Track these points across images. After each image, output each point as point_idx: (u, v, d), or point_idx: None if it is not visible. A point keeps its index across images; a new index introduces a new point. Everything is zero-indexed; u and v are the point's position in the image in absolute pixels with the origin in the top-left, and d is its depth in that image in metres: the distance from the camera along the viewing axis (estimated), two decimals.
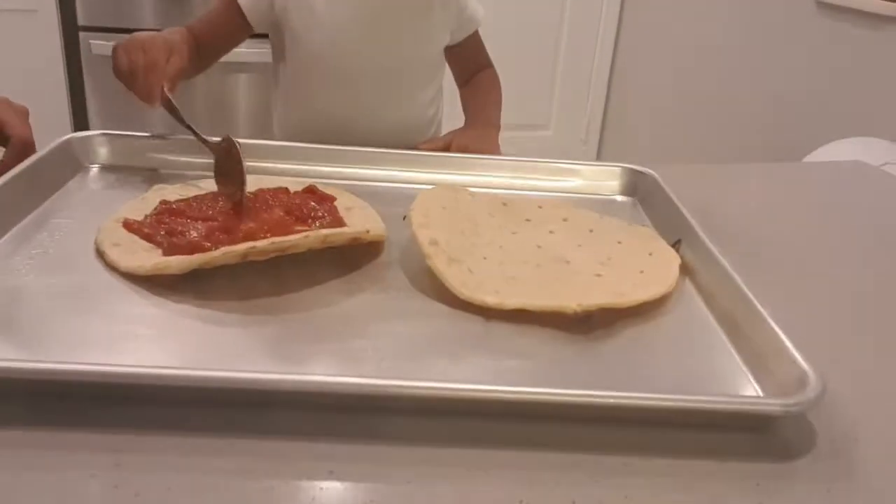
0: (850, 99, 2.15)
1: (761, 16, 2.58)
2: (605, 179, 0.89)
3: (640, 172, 0.88)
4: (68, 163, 0.84)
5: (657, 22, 3.01)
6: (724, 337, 0.63)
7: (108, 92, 2.65)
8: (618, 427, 0.53)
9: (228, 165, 0.79)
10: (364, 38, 1.08)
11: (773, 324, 0.59)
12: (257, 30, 1.12)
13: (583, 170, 0.90)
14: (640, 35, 3.09)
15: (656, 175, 0.86)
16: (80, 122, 2.58)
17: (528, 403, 0.51)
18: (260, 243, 0.64)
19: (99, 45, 2.84)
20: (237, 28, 1.11)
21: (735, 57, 2.59)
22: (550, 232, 0.77)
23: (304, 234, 0.66)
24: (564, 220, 0.80)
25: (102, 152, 0.87)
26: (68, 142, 0.85)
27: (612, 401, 0.51)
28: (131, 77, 0.86)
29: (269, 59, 1.23)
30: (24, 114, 0.90)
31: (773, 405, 0.51)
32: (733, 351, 0.61)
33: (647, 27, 3.05)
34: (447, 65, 1.21)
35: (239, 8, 1.07)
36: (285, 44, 1.11)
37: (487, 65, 1.26)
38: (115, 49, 0.90)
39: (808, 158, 1.92)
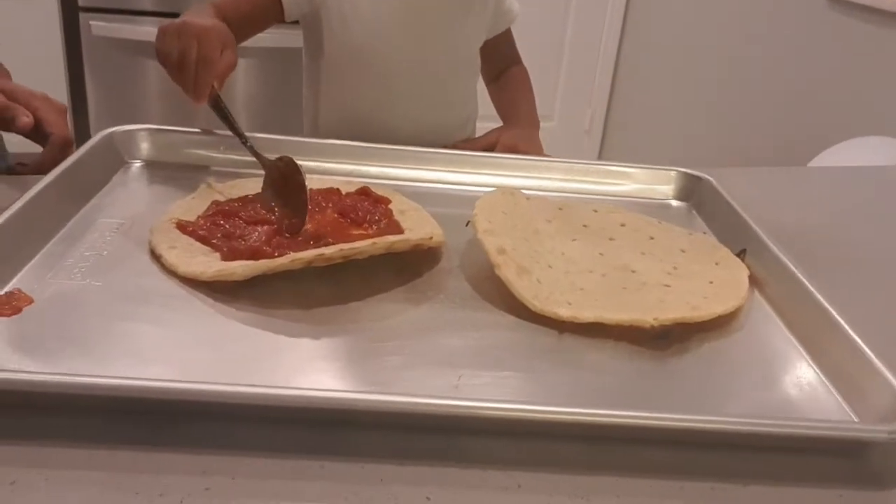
0: (861, 97, 2.15)
1: (771, 10, 2.57)
2: (658, 183, 0.88)
3: (696, 177, 0.86)
4: (110, 158, 0.82)
5: (664, 15, 2.99)
6: (803, 352, 0.62)
7: (107, 74, 2.61)
8: (708, 450, 0.51)
9: (285, 189, 0.74)
10: (404, 35, 1.05)
11: (859, 341, 0.58)
12: (288, 19, 1.08)
13: (636, 173, 0.88)
14: (647, 28, 3.07)
15: (713, 180, 0.85)
16: (79, 104, 2.54)
17: (620, 427, 0.50)
18: (328, 250, 0.62)
19: (99, 27, 2.79)
20: (269, 14, 1.07)
21: (743, 52, 2.58)
22: (610, 239, 0.76)
23: (372, 241, 0.64)
24: (622, 225, 0.78)
25: (144, 147, 0.84)
26: (110, 136, 0.82)
27: (708, 426, 0.49)
28: (180, 70, 0.81)
29: (268, 44, 1.17)
30: (62, 111, 0.88)
31: (880, 432, 0.50)
32: (815, 367, 0.60)
33: (654, 20, 3.03)
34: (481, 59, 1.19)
35: None
36: (322, 38, 1.08)
37: (518, 61, 1.24)
38: (163, 32, 0.84)
39: (819, 157, 1.91)
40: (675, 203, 0.88)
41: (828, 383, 0.58)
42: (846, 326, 0.59)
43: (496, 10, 1.13)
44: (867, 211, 0.99)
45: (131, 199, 0.77)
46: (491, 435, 0.50)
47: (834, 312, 0.61)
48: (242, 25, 1.04)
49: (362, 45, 1.06)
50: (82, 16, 2.81)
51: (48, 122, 0.85)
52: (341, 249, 0.63)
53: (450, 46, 1.09)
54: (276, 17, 1.07)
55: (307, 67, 1.15)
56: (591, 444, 0.50)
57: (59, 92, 2.49)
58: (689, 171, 0.87)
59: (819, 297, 0.63)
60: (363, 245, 0.64)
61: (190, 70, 0.81)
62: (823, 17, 2.36)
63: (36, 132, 0.86)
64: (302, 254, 0.62)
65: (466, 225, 0.71)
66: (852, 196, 1.05)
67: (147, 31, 2.77)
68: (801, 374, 0.60)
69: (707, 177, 0.85)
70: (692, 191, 0.87)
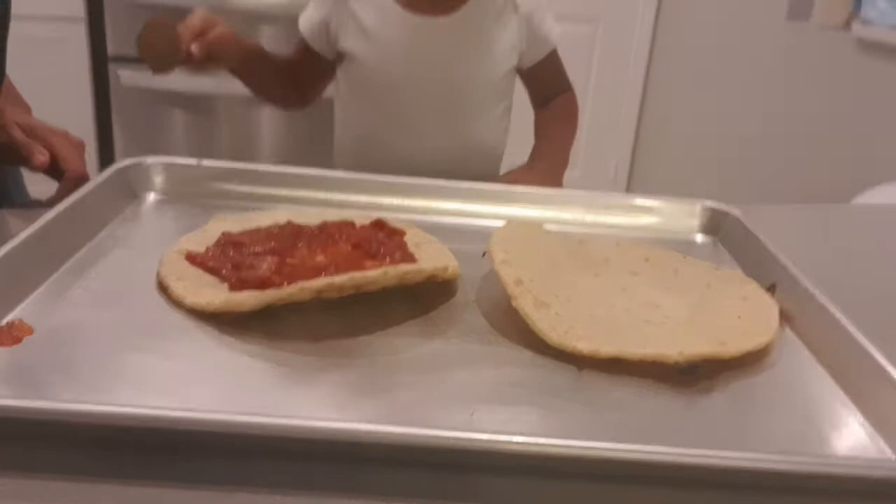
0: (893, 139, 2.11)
1: (798, 53, 2.55)
2: (683, 217, 0.85)
3: (722, 212, 0.84)
4: (123, 191, 0.80)
5: (690, 58, 2.99)
6: (839, 390, 0.58)
7: (135, 123, 2.64)
8: (740, 492, 0.48)
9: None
10: (417, 60, 1.05)
11: None
12: (330, 57, 1.11)
13: (659, 207, 0.85)
14: (672, 72, 3.07)
15: (739, 214, 0.82)
16: (106, 152, 2.57)
17: (652, 464, 0.46)
18: (338, 279, 0.60)
19: (128, 76, 2.82)
20: (313, 60, 1.12)
21: (770, 94, 2.56)
22: (633, 273, 0.73)
23: (384, 270, 0.62)
24: (646, 259, 0.75)
25: (158, 181, 0.83)
26: (124, 169, 0.81)
27: (750, 464, 0.46)
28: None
29: None
30: (80, 147, 0.88)
31: None
32: (855, 408, 0.56)
33: (679, 63, 3.03)
34: (525, 87, 1.16)
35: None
36: (343, 68, 1.08)
37: (566, 88, 1.19)
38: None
39: (858, 198, 1.87)
40: (700, 238, 0.85)
41: (868, 424, 0.54)
42: (882, 361, 0.56)
43: (531, 36, 1.09)
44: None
45: (142, 231, 0.76)
46: (507, 473, 0.47)
47: (871, 348, 0.58)
48: (304, 77, 1.15)
49: (376, 72, 1.06)
50: (111, 65, 2.85)
51: (65, 158, 0.85)
52: (352, 278, 0.60)
53: (468, 72, 1.07)
54: (321, 60, 1.12)
55: (336, 98, 1.15)
56: (614, 485, 0.47)
57: (87, 140, 2.52)
58: (714, 204, 0.84)
59: (855, 332, 0.60)
60: (374, 274, 0.61)
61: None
62: (851, 60, 2.34)
63: (53, 169, 0.85)
64: (311, 282, 0.60)
65: (483, 256, 0.68)
66: (885, 234, 1.01)
67: (176, 80, 2.81)
68: (839, 415, 0.56)
69: (734, 211, 0.83)
70: (718, 225, 0.84)
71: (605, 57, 3.23)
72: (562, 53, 1.13)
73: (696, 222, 0.85)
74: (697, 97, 2.91)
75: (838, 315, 0.62)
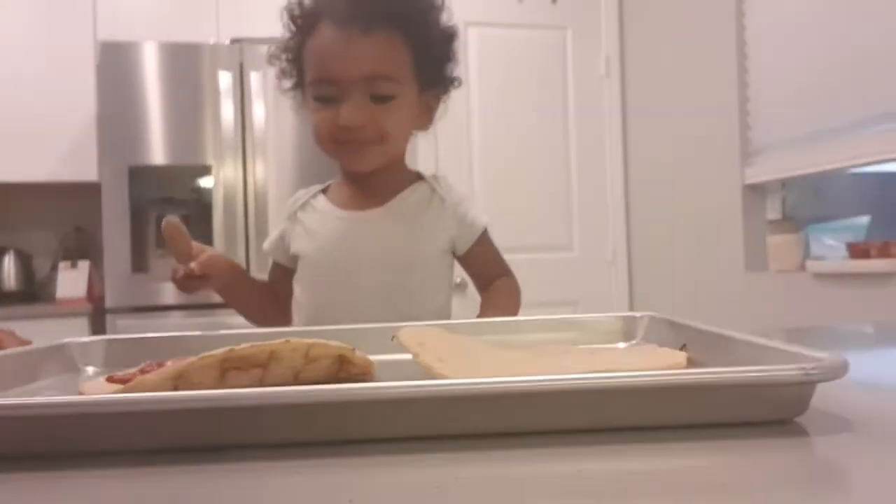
0: None
1: (758, 287, 2.66)
2: (604, 329, 0.87)
3: (637, 317, 0.86)
4: (63, 362, 0.83)
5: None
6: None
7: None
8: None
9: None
10: (353, 248, 1.15)
11: (785, 347, 0.55)
12: (291, 266, 1.24)
13: (580, 321, 0.88)
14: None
15: (653, 313, 0.84)
16: None
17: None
18: (240, 347, 0.62)
19: (126, 325, 2.89)
20: (282, 274, 1.24)
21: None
22: (550, 356, 0.74)
23: (286, 339, 0.64)
24: (565, 352, 0.77)
25: (100, 357, 0.86)
26: (65, 346, 0.85)
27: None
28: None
29: None
30: (27, 344, 0.92)
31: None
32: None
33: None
34: (467, 273, 1.24)
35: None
36: (297, 268, 1.20)
37: (502, 273, 1.23)
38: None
39: None
40: (623, 345, 0.86)
41: None
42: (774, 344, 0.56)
43: (459, 223, 1.17)
44: None
45: (72, 385, 0.78)
46: None
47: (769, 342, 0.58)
48: (286, 294, 1.23)
49: (318, 264, 1.17)
50: (109, 317, 2.94)
51: (6, 347, 0.89)
52: (253, 345, 0.62)
53: (397, 261, 1.15)
54: (285, 271, 1.25)
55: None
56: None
57: None
58: (629, 313, 0.87)
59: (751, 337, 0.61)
60: (278, 342, 0.63)
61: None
62: (809, 291, 2.44)
63: None
64: (213, 352, 0.62)
65: (392, 339, 0.70)
66: None
67: (172, 323, 2.87)
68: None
69: (646, 313, 0.85)
70: (636, 330, 0.85)
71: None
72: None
73: (617, 330, 0.86)
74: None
75: (740, 335, 0.63)
